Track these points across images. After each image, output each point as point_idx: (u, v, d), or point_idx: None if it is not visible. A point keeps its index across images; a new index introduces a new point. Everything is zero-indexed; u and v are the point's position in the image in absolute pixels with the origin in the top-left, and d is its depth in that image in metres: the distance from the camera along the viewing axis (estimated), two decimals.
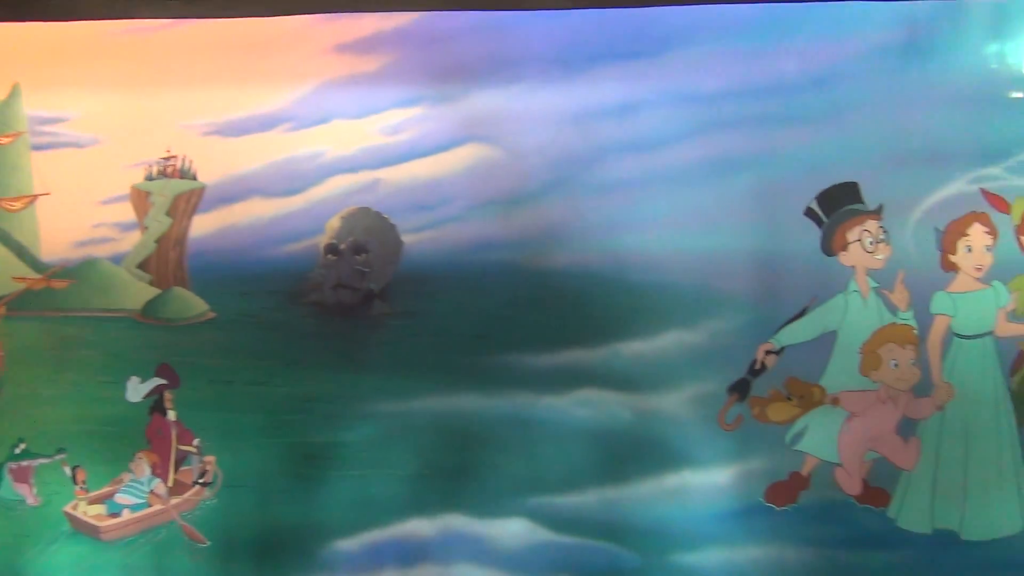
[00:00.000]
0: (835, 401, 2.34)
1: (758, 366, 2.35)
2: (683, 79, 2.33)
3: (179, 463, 2.49)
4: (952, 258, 2.30)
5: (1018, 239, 2.29)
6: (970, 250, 2.30)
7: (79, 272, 2.48)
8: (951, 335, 2.31)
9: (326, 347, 2.46)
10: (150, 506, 2.48)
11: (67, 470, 2.48)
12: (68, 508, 2.48)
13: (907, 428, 2.33)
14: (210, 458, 2.48)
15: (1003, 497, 2.31)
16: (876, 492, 2.34)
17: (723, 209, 2.32)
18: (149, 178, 2.46)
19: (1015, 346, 2.31)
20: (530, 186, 2.39)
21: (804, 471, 2.35)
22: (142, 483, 2.49)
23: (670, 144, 2.34)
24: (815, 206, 2.32)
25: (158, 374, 2.47)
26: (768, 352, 2.34)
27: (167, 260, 2.47)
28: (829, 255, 2.33)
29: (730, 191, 2.32)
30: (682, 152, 2.33)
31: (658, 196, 2.34)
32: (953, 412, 2.32)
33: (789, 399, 2.35)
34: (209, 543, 2.47)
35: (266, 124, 2.42)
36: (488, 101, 2.38)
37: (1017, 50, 2.28)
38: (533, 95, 2.37)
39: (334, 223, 2.47)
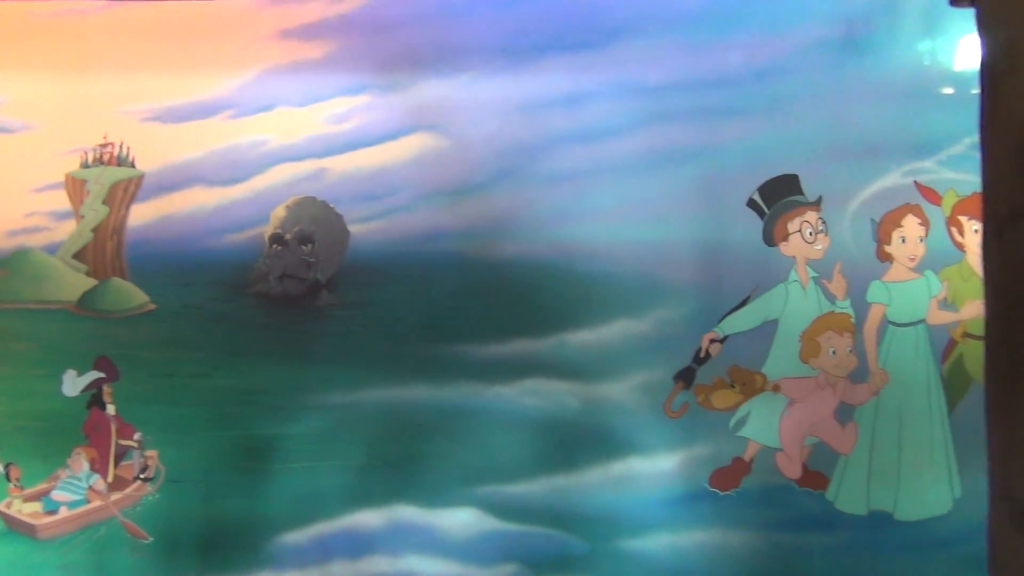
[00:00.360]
0: (776, 388, 2.40)
1: (703, 354, 2.39)
2: (629, 71, 2.35)
3: (119, 458, 2.43)
4: (887, 248, 2.38)
5: (948, 230, 2.38)
6: (904, 240, 2.37)
7: (11, 262, 2.39)
8: (886, 323, 2.39)
9: (271, 338, 2.43)
10: (89, 503, 2.42)
11: (0, 467, 2.40)
12: (2, 506, 2.40)
13: (844, 413, 2.40)
14: (152, 452, 2.43)
15: (935, 479, 2.40)
16: (815, 476, 2.41)
17: (668, 200, 2.36)
18: (85, 165, 2.39)
19: (946, 333, 2.40)
20: (478, 176, 2.39)
21: (747, 456, 2.41)
22: (80, 479, 2.42)
23: (616, 135, 2.36)
24: (757, 197, 2.37)
25: (96, 367, 2.40)
26: (712, 341, 2.39)
27: (104, 250, 2.40)
28: (770, 245, 2.39)
29: (675, 182, 2.36)
30: (628, 143, 2.36)
31: (604, 187, 2.36)
32: (888, 397, 2.39)
33: (732, 386, 2.40)
34: (152, 539, 2.41)
35: (207, 111, 2.37)
36: (435, 90, 2.37)
37: (948, 47, 2.36)
38: (480, 84, 2.37)
39: (279, 212, 2.43)
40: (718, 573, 2.39)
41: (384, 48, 2.36)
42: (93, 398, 2.41)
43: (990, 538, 0.79)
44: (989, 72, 0.82)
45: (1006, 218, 0.74)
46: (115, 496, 2.42)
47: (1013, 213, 0.73)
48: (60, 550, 2.40)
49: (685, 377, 2.40)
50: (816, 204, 2.37)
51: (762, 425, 2.40)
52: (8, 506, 2.40)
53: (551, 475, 2.42)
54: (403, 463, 2.42)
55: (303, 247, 2.43)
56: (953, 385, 2.39)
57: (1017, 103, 0.75)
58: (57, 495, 2.41)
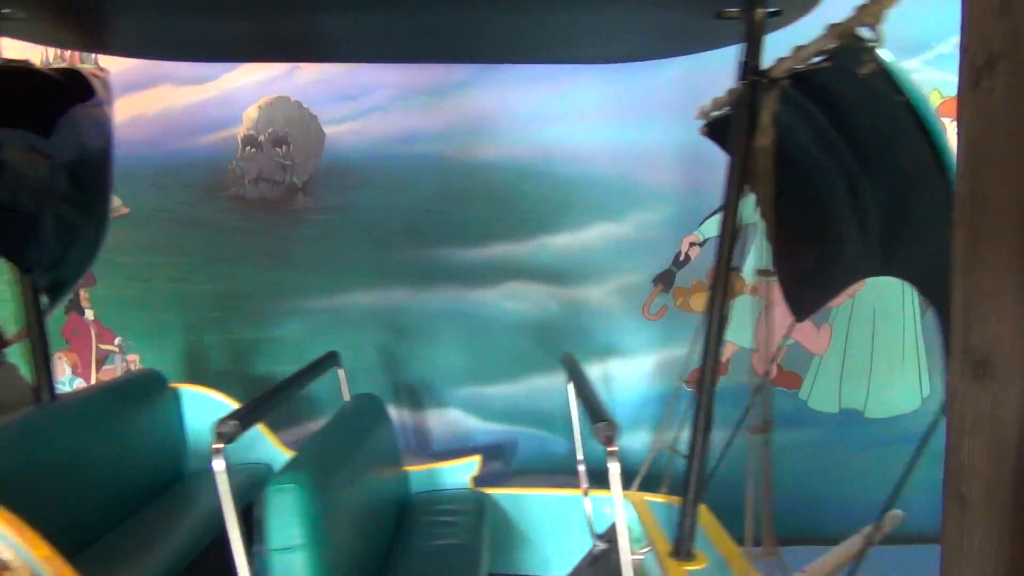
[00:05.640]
0: (754, 290, 2.42)
1: (682, 257, 2.40)
2: None
3: (100, 363, 2.44)
4: None
5: None
6: None
7: None
8: None
9: (249, 243, 2.40)
10: None
11: None
12: None
13: (820, 315, 2.43)
14: (133, 357, 2.44)
15: (904, 379, 2.46)
16: (789, 375, 2.47)
17: (650, 101, 2.31)
18: (46, 63, 2.29)
19: None
20: (455, 75, 2.32)
21: (723, 357, 2.45)
22: (63, 384, 2.43)
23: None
24: None
25: None
26: (692, 244, 2.39)
27: None
28: None
29: (657, 84, 2.30)
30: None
31: (585, 87, 2.31)
32: (863, 299, 2.43)
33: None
34: None
35: None
36: None
37: None
38: None
39: (251, 113, 2.36)
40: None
41: None
42: (71, 303, 2.39)
43: (948, 389, 0.80)
44: None
45: (983, 65, 0.72)
46: None
47: (991, 58, 0.71)
48: None
49: (664, 280, 2.41)
50: None
51: (739, 327, 2.43)
52: None
53: (532, 376, 2.45)
54: (385, 366, 2.44)
55: (277, 149, 2.37)
56: None
57: None
58: None
